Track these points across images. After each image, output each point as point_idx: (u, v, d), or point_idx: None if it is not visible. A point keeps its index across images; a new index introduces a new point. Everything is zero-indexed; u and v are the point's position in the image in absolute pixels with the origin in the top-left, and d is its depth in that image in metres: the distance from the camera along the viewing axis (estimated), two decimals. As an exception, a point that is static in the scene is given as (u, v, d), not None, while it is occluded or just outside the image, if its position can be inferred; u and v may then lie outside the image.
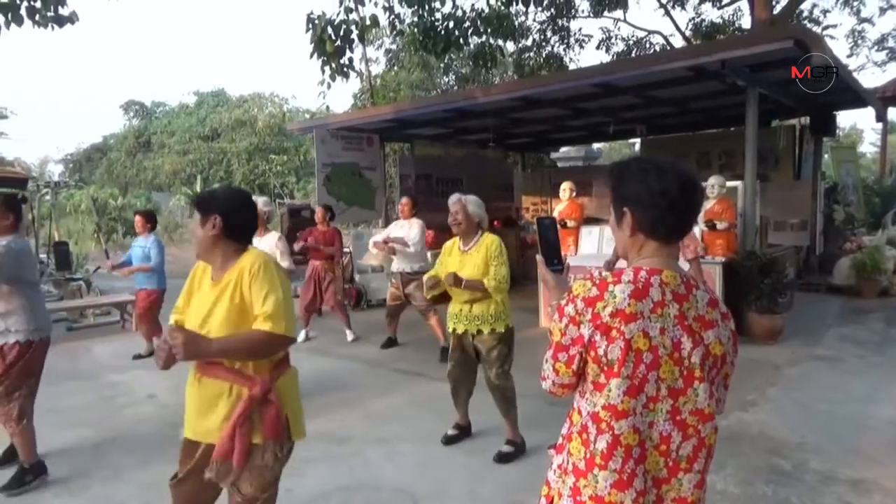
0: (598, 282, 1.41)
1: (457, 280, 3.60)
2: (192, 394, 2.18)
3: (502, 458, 3.72)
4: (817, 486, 3.31)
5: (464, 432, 4.11)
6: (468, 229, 3.78)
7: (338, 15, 8.15)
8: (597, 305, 1.37)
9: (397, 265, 6.36)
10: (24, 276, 3.48)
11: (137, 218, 6.54)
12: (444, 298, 3.93)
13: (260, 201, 5.25)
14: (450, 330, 3.88)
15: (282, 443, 2.13)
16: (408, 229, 6.39)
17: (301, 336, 6.76)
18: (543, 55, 15.38)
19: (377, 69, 18.75)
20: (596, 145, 19.81)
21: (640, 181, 1.43)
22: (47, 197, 11.86)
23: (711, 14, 15.96)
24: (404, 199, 6.63)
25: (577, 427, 1.45)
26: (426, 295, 3.99)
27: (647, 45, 16.06)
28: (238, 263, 2.13)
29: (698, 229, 6.60)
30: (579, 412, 1.46)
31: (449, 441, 4.02)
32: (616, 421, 1.37)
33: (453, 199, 3.81)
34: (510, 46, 15.22)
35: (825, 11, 15.92)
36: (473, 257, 3.69)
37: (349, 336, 7.14)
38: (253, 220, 2.29)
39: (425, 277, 3.92)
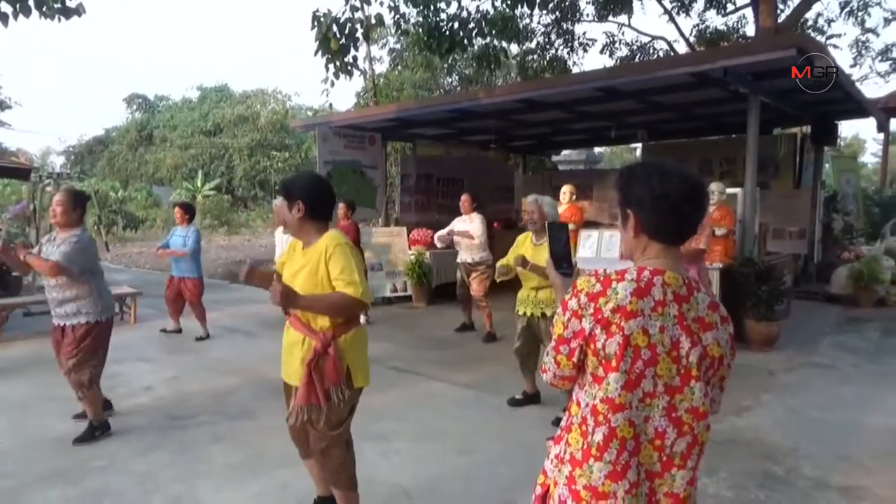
0: (602, 278, 1.45)
1: (524, 262, 4.10)
2: (284, 339, 2.69)
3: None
4: (809, 492, 3.34)
5: (530, 399, 4.64)
6: (542, 227, 4.26)
7: (343, 13, 8.22)
8: (599, 300, 1.41)
9: (461, 256, 7.00)
10: (92, 266, 4.04)
11: (177, 209, 7.18)
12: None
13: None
14: (519, 313, 4.43)
15: (341, 388, 2.55)
16: (469, 223, 6.86)
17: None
18: (547, 58, 15.40)
19: (381, 68, 18.77)
20: (597, 149, 19.83)
21: (643, 184, 1.46)
22: (49, 188, 11.90)
23: (716, 21, 15.99)
24: (464, 196, 6.97)
25: (577, 418, 1.48)
26: (497, 278, 4.54)
27: (651, 51, 16.11)
28: (321, 241, 2.56)
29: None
30: (578, 404, 1.50)
31: (514, 404, 4.60)
32: (613, 414, 1.40)
33: (530, 199, 4.37)
34: (514, 48, 15.26)
35: (829, 21, 15.95)
36: (546, 250, 3.90)
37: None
38: (330, 203, 2.69)
39: (498, 265, 4.45)
